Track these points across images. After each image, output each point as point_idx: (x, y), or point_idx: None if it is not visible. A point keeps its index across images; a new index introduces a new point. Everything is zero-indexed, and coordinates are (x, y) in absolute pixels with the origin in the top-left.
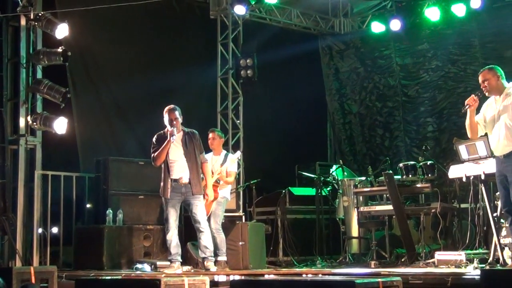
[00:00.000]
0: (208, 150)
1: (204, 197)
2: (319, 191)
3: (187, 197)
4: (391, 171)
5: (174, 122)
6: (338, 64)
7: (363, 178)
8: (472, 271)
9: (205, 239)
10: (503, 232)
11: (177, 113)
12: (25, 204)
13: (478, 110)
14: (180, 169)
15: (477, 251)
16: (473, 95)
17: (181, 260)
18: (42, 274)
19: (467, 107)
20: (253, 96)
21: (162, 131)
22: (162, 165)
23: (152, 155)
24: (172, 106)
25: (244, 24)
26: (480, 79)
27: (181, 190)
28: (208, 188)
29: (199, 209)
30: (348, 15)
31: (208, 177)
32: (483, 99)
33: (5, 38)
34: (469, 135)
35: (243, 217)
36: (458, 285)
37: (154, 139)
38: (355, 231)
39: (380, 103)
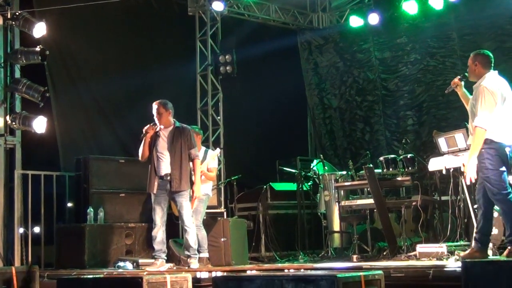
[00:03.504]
0: None
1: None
2: (300, 186)
3: (172, 194)
4: (371, 165)
5: (161, 118)
6: (317, 59)
7: (344, 172)
8: (454, 263)
9: (190, 238)
10: None
11: (154, 108)
12: (6, 204)
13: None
14: (166, 166)
15: (458, 243)
16: (455, 79)
17: (165, 258)
18: (23, 274)
19: (450, 88)
20: (232, 92)
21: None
22: (150, 161)
23: None
24: (158, 100)
25: (223, 20)
26: None
27: (166, 187)
28: (196, 184)
29: (183, 207)
30: (326, 9)
31: (197, 174)
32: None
33: None
34: None
35: (225, 213)
36: (439, 278)
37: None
38: (336, 225)
39: (359, 97)
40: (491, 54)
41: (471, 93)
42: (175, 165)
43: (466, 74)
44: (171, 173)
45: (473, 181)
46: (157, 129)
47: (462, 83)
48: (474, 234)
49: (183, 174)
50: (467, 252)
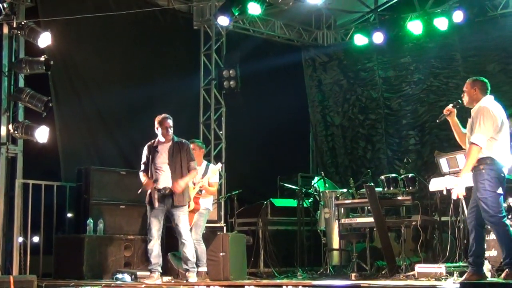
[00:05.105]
0: None
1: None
2: (301, 202)
3: (170, 208)
4: (372, 184)
5: (170, 131)
6: (321, 76)
7: (345, 190)
8: (452, 284)
9: (188, 251)
10: None
11: (171, 122)
12: (5, 212)
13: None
14: (165, 179)
15: (457, 264)
16: (449, 105)
17: (161, 271)
18: (21, 283)
19: (442, 116)
20: (235, 107)
21: (152, 141)
22: (148, 175)
23: (140, 171)
24: (165, 114)
25: (228, 35)
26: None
27: (165, 200)
28: (182, 181)
29: (182, 221)
30: (331, 27)
31: (188, 179)
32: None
33: None
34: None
35: (224, 228)
36: None
37: (144, 150)
38: (336, 243)
39: (362, 115)
40: (488, 81)
41: (461, 122)
42: (176, 180)
43: (460, 101)
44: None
45: (460, 197)
46: (155, 144)
47: (455, 110)
48: (469, 258)
49: (184, 189)
50: (463, 277)
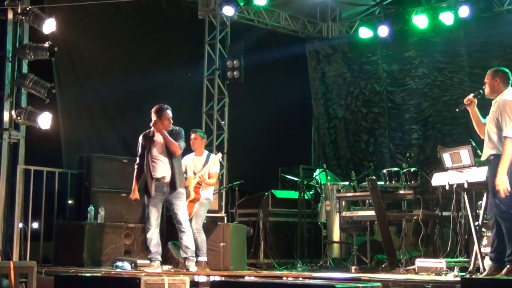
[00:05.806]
0: (190, 150)
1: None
2: (302, 194)
3: (169, 196)
4: (374, 177)
5: (171, 121)
6: (324, 68)
7: (346, 183)
8: (452, 279)
9: (187, 239)
10: (484, 241)
11: (171, 113)
12: (7, 198)
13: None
14: (163, 168)
15: (458, 259)
16: (470, 95)
17: (161, 259)
18: (21, 269)
19: (462, 106)
20: (238, 98)
21: (148, 130)
22: (144, 164)
23: (137, 159)
24: (164, 105)
25: (232, 25)
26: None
27: (163, 189)
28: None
29: (181, 209)
30: (336, 19)
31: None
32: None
33: None
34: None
35: (225, 218)
36: None
37: (140, 140)
38: (336, 235)
39: (365, 108)
40: (509, 71)
41: (480, 112)
42: (171, 168)
43: (481, 91)
44: (171, 175)
45: (507, 193)
46: (151, 134)
47: (476, 100)
48: (490, 254)
49: (176, 174)
50: (485, 272)
